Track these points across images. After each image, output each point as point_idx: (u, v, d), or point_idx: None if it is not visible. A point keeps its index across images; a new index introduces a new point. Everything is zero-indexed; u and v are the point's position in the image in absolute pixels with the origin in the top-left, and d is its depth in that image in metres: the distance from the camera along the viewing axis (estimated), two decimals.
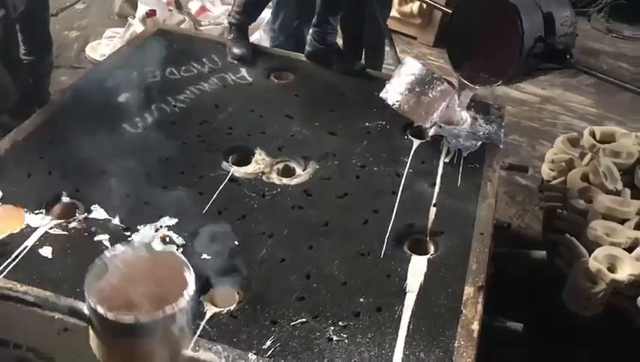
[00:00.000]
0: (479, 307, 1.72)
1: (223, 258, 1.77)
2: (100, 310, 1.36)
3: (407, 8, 4.82)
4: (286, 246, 1.87)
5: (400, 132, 2.42)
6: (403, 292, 1.75)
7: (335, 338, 1.60)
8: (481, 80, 2.35)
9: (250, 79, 2.67)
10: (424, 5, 4.69)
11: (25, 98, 2.91)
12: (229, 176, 2.10)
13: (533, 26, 2.12)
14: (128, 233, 1.84)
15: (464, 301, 1.74)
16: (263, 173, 2.15)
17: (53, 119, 2.28)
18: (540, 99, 4.31)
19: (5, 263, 1.69)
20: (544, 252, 2.23)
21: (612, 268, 2.35)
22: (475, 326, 1.66)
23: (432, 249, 1.94)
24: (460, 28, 2.38)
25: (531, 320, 1.99)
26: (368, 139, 2.36)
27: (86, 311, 1.42)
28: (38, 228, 1.81)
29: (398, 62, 2.76)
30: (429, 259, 1.87)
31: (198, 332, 1.56)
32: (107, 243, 1.79)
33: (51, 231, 1.81)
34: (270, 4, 3.28)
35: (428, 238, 1.96)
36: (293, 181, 2.13)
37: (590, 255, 2.38)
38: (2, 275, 1.66)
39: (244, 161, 2.20)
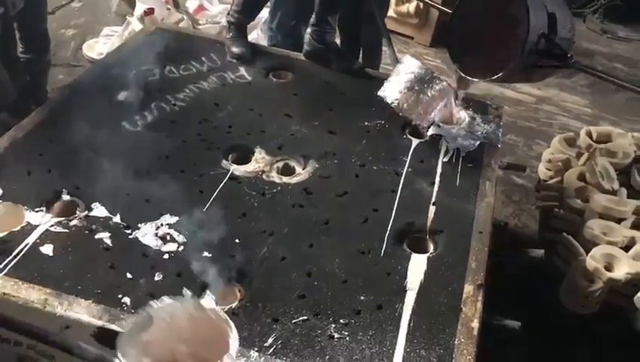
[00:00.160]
0: (479, 305, 1.73)
1: (224, 256, 1.78)
2: None
3: (403, 8, 4.83)
4: (286, 244, 1.87)
5: (399, 131, 2.43)
6: (403, 290, 1.76)
7: (336, 335, 1.61)
8: (481, 72, 2.34)
9: (249, 78, 2.68)
10: (421, 5, 4.70)
11: (22, 96, 2.91)
12: (229, 175, 2.11)
13: (539, 22, 2.13)
14: (129, 231, 1.84)
15: (464, 299, 1.75)
16: (263, 171, 2.15)
17: (52, 117, 2.28)
18: (535, 100, 4.33)
19: (6, 261, 1.69)
20: (542, 251, 2.24)
21: (609, 267, 2.36)
22: (475, 324, 1.67)
23: (431, 247, 1.95)
24: (462, 19, 2.36)
25: (529, 319, 2.00)
26: (367, 138, 2.37)
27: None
28: (38, 225, 1.82)
29: (397, 61, 2.78)
30: (428, 258, 1.88)
31: None
32: (108, 241, 1.80)
33: (52, 229, 1.81)
34: (268, 3, 3.29)
35: (427, 237, 1.97)
36: (293, 180, 2.14)
37: (587, 254, 2.39)
38: (3, 273, 1.66)
39: (243, 159, 2.21)
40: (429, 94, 2.40)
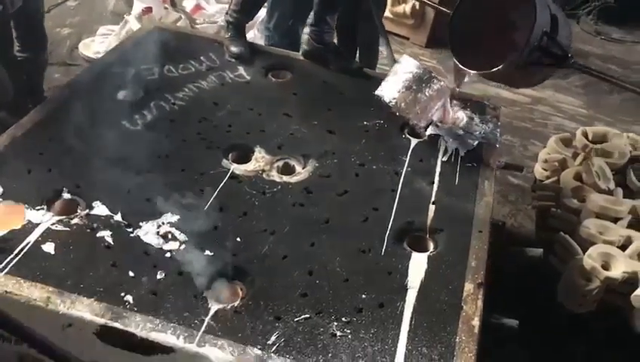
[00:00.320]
0: (479, 303, 1.74)
1: (226, 254, 1.78)
2: None
3: (399, 9, 4.84)
4: (287, 243, 1.88)
5: (397, 131, 2.44)
6: (404, 289, 1.77)
7: (339, 333, 1.62)
8: (482, 65, 2.35)
9: (248, 77, 2.68)
10: (417, 6, 4.72)
11: (19, 95, 2.90)
12: (229, 174, 2.11)
13: (543, 19, 2.15)
14: (130, 229, 1.84)
15: (464, 297, 1.76)
16: (263, 170, 2.16)
17: (52, 116, 2.27)
18: (531, 100, 4.36)
19: (8, 259, 1.69)
20: (540, 250, 2.26)
21: (606, 266, 2.38)
22: (476, 322, 1.69)
23: (431, 246, 1.96)
24: (462, 19, 2.37)
25: (527, 318, 2.01)
26: (367, 138, 2.38)
27: None
28: (39, 224, 1.81)
29: (394, 61, 2.79)
30: (429, 256, 1.89)
31: (202, 328, 1.57)
32: (109, 240, 1.80)
33: (53, 228, 1.81)
34: (265, 3, 3.29)
35: (427, 235, 1.99)
36: (294, 179, 2.14)
37: (584, 253, 2.41)
38: (5, 271, 1.66)
39: (243, 158, 2.21)
40: (427, 94, 2.41)
